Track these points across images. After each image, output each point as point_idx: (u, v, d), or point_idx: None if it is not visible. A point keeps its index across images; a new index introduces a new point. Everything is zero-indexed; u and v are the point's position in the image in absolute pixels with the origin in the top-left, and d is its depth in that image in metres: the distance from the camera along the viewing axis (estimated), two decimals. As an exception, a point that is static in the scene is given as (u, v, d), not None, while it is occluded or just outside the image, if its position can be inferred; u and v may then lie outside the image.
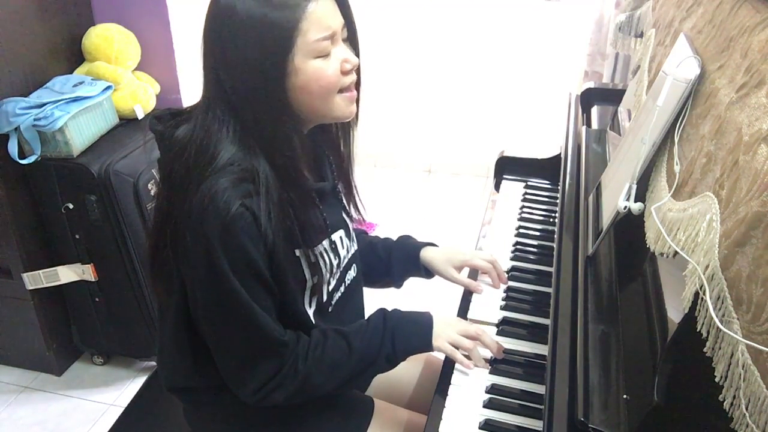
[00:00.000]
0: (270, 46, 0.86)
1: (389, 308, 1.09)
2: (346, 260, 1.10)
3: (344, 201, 1.12)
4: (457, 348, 1.05)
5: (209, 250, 0.87)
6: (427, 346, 1.04)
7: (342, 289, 1.10)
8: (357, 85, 0.99)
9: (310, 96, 0.91)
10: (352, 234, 1.13)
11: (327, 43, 0.89)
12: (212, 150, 0.89)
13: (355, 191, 1.13)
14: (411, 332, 1.04)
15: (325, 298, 1.04)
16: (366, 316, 1.21)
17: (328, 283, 1.05)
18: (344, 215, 1.10)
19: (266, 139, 0.90)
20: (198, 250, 0.89)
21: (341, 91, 0.94)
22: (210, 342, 0.97)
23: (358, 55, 0.98)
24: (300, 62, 0.88)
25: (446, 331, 1.05)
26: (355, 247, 1.14)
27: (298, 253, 0.96)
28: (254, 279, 0.91)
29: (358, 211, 1.14)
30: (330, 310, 1.07)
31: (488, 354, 1.08)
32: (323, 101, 0.93)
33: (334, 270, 1.05)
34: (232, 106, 0.89)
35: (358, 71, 0.98)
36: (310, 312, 1.02)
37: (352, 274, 1.14)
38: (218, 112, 0.90)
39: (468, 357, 1.06)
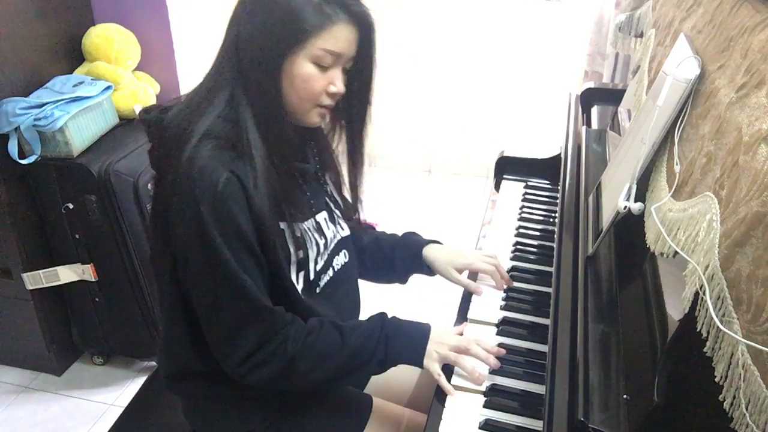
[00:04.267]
0: (288, 30, 0.91)
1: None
2: (334, 243, 1.11)
3: (329, 189, 1.14)
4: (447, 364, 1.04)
5: (199, 218, 0.90)
6: (417, 362, 1.03)
7: (330, 273, 1.11)
8: (366, 110, 1.06)
9: (292, 90, 0.95)
10: (338, 219, 1.15)
11: (330, 58, 0.95)
12: (193, 122, 0.93)
13: (353, 188, 1.16)
14: (404, 345, 1.04)
15: (312, 276, 1.06)
16: (361, 305, 1.23)
17: (316, 262, 1.06)
18: (327, 200, 1.13)
19: (264, 101, 0.94)
20: (187, 218, 0.91)
21: (319, 105, 0.99)
22: (199, 311, 0.98)
23: (369, 90, 1.04)
24: (299, 58, 0.93)
25: (439, 349, 1.03)
26: (345, 233, 1.16)
27: (282, 225, 0.98)
28: (243, 248, 0.93)
29: (347, 205, 1.17)
30: (318, 291, 1.08)
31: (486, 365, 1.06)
32: (301, 102, 0.97)
33: (321, 249, 1.07)
34: (240, 67, 0.94)
35: (365, 102, 1.04)
36: (299, 287, 1.03)
37: (342, 259, 1.15)
38: (225, 72, 0.95)
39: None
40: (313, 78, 0.95)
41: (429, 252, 1.25)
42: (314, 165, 1.12)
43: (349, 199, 1.19)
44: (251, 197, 0.92)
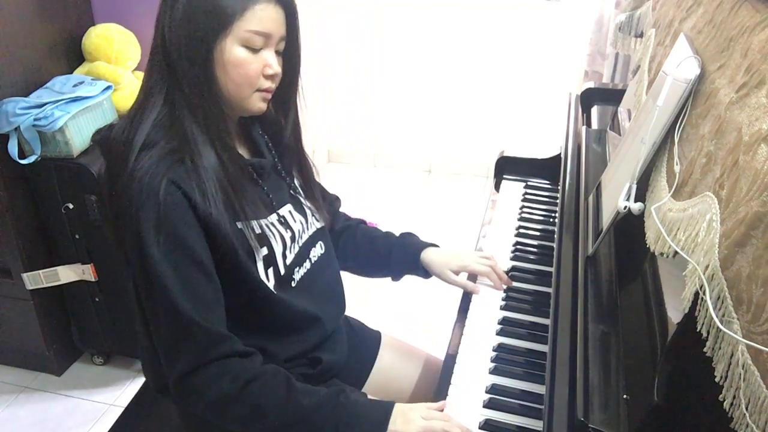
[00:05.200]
0: (211, 17, 0.91)
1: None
2: (307, 236, 1.10)
3: (293, 181, 1.13)
4: None
5: (138, 233, 0.88)
6: None
7: (307, 265, 1.10)
8: (292, 93, 1.06)
9: (227, 78, 0.94)
10: (308, 210, 1.13)
11: (259, 40, 0.94)
12: (131, 133, 0.92)
13: (311, 182, 1.16)
14: (360, 423, 0.93)
15: (283, 271, 1.04)
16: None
17: (285, 256, 1.04)
18: (291, 192, 1.11)
19: (200, 96, 0.93)
20: (130, 233, 0.90)
21: (259, 90, 0.98)
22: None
23: (296, 72, 1.04)
24: (228, 44, 0.92)
25: (406, 429, 0.93)
26: (320, 224, 1.15)
27: (240, 225, 0.96)
28: (187, 261, 0.90)
29: (315, 198, 1.15)
30: (294, 285, 1.06)
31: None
32: (238, 89, 0.96)
33: (288, 243, 1.05)
34: (170, 64, 0.93)
35: (292, 84, 1.04)
36: (270, 284, 1.01)
37: (318, 251, 1.14)
38: (157, 72, 0.94)
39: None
40: (245, 62, 0.94)
41: (426, 255, 1.24)
42: (271, 158, 1.09)
43: (319, 191, 1.18)
44: (196, 203, 0.90)
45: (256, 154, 1.08)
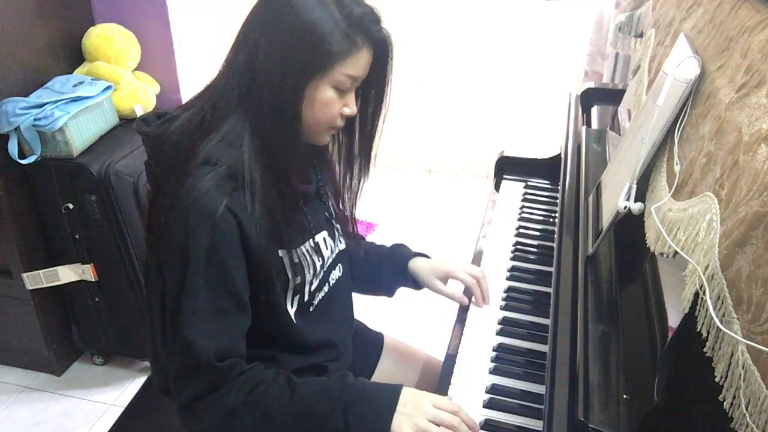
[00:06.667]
0: (313, 56, 0.90)
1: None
2: (330, 260, 1.09)
3: (330, 204, 1.11)
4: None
5: (188, 253, 0.87)
6: (384, 430, 0.91)
7: (326, 288, 1.09)
8: (375, 130, 1.05)
9: (311, 114, 0.94)
10: (337, 234, 1.12)
11: (350, 83, 0.94)
12: (194, 142, 0.90)
13: (348, 209, 1.14)
14: (368, 412, 0.92)
15: (306, 297, 1.03)
16: (354, 317, 1.20)
17: (311, 284, 1.04)
18: (327, 215, 1.10)
19: (278, 126, 0.91)
20: (175, 252, 0.88)
21: (331, 127, 0.98)
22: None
23: (380, 111, 1.04)
24: (322, 83, 0.92)
25: (413, 417, 0.91)
26: (342, 246, 1.14)
27: (281, 253, 0.96)
28: (223, 291, 0.90)
29: (347, 223, 1.14)
30: (311, 309, 1.06)
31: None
32: (317, 126, 0.96)
33: (318, 270, 1.05)
34: (254, 87, 0.91)
35: (374, 126, 1.05)
36: (292, 312, 1.01)
37: (337, 274, 1.13)
38: (235, 90, 0.92)
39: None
40: (332, 102, 0.94)
41: (414, 264, 1.22)
42: (316, 183, 1.08)
43: (347, 211, 1.16)
44: (248, 234, 0.89)
45: (305, 179, 1.06)
